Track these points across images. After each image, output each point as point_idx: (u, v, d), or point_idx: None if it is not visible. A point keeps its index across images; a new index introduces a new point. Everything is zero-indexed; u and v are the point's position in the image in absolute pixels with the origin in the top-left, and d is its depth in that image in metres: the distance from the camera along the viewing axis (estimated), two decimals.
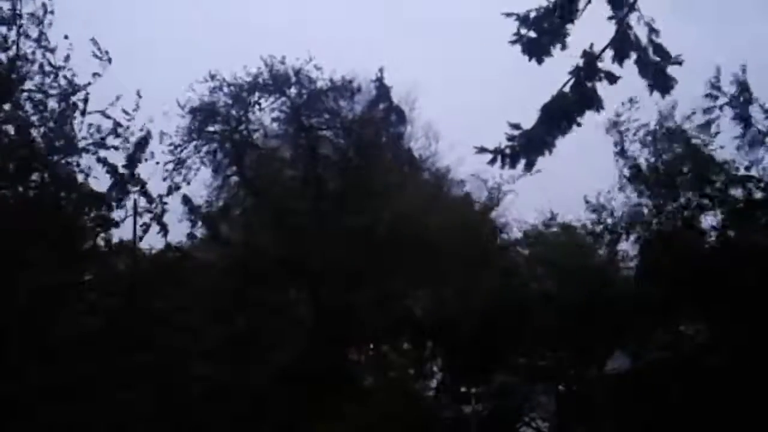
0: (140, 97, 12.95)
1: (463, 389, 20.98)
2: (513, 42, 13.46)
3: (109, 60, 12.42)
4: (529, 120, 14.10)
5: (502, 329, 18.84)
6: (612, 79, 13.64)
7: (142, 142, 13.03)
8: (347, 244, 20.52)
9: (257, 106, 23.25)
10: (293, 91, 23.45)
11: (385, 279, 20.22)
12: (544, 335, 18.84)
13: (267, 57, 22.82)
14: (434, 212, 22.14)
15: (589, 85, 13.63)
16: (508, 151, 13.91)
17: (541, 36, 13.32)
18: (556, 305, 18.59)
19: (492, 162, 14.29)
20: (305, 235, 21.07)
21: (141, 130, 13.07)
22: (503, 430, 20.57)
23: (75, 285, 12.76)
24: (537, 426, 20.60)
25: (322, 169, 24.17)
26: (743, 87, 17.87)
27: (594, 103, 13.83)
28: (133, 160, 12.85)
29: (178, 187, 13.86)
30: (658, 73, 13.60)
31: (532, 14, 13.27)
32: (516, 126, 13.88)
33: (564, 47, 13.39)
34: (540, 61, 13.48)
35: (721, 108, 18.06)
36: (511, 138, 13.85)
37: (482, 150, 14.46)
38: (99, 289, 13.14)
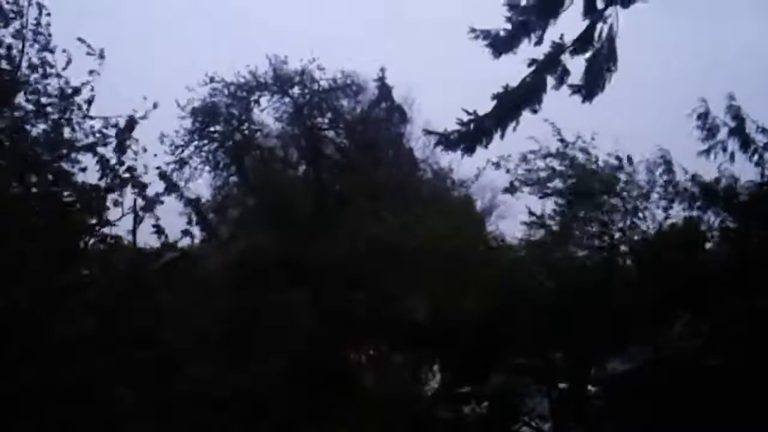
0: (155, 107, 12.96)
1: (462, 390, 20.97)
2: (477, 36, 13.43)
3: (102, 56, 12.41)
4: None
5: (501, 330, 18.81)
6: (563, 76, 13.42)
7: (129, 125, 12.84)
8: (348, 245, 20.54)
9: (258, 106, 23.35)
10: (296, 90, 23.52)
11: (386, 280, 20.22)
12: (543, 335, 18.80)
13: (271, 56, 22.93)
14: (435, 213, 22.14)
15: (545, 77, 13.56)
16: (452, 136, 14.07)
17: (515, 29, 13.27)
18: (555, 305, 18.57)
19: (435, 145, 14.50)
20: (306, 236, 21.08)
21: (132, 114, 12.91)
22: (502, 430, 20.54)
23: (73, 283, 12.77)
24: (536, 426, 20.57)
25: (324, 170, 24.20)
26: (738, 119, 17.19)
27: (536, 98, 13.77)
28: (121, 146, 12.73)
29: (177, 187, 13.71)
30: (595, 75, 13.43)
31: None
32: (470, 113, 13.99)
33: (540, 42, 13.37)
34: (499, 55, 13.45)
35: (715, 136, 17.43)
36: (460, 123, 13.98)
37: (428, 132, 14.71)
38: (97, 287, 13.14)
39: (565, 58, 13.63)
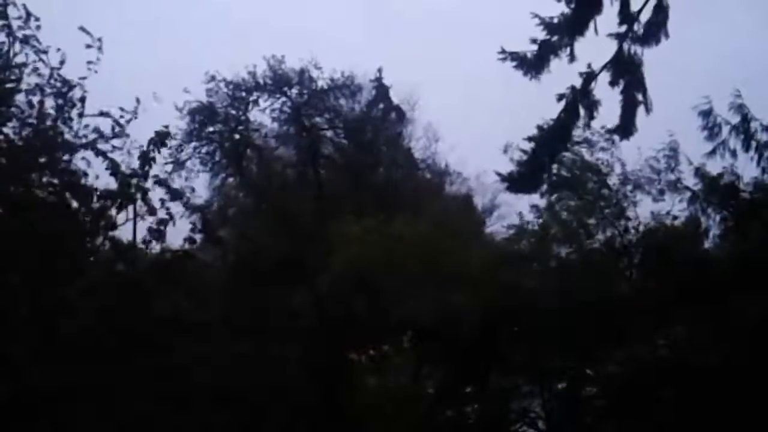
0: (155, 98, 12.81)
1: (463, 389, 20.99)
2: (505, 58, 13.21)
3: (100, 47, 12.23)
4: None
5: (502, 330, 18.84)
6: (593, 108, 13.02)
7: (161, 138, 12.55)
8: (348, 245, 20.50)
9: (257, 106, 23.32)
10: (294, 91, 23.51)
11: (386, 280, 20.20)
12: (544, 335, 18.82)
13: (269, 57, 22.92)
14: (435, 212, 22.14)
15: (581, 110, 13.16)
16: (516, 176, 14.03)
17: (542, 49, 12.97)
18: (556, 305, 18.60)
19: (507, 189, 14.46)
20: (306, 236, 21.06)
21: (165, 127, 12.74)
22: (502, 430, 20.57)
23: (76, 286, 12.72)
24: (537, 426, 20.60)
25: (322, 169, 24.20)
26: (743, 117, 17.10)
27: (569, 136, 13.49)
28: (147, 158, 12.47)
29: (181, 195, 13.58)
30: (630, 111, 13.01)
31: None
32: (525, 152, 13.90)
33: (572, 59, 13.00)
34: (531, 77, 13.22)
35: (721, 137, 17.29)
36: (519, 164, 13.96)
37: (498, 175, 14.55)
38: (100, 290, 13.09)
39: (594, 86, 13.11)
